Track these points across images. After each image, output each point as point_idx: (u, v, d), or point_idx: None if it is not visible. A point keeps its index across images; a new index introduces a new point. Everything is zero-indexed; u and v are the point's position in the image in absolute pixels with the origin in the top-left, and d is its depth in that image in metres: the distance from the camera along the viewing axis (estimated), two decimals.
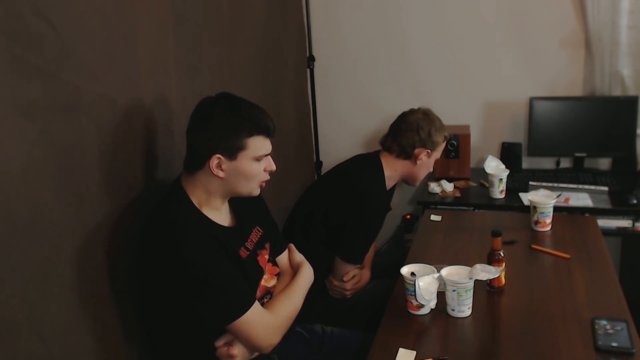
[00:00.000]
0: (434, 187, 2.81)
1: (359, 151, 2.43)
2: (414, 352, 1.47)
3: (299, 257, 1.74)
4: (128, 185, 1.58)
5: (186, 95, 1.87)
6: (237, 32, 2.28)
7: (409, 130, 2.15)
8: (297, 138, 3.06)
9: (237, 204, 1.62)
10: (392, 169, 2.18)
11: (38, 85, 1.24)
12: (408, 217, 3.13)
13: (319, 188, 2.36)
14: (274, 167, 1.56)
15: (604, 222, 2.46)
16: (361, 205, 2.06)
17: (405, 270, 1.66)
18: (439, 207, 2.66)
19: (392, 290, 1.79)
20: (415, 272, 1.63)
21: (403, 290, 1.66)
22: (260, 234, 1.67)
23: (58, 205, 1.31)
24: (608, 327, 1.51)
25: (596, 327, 1.52)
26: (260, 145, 1.50)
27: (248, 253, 1.59)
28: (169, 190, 1.55)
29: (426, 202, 2.75)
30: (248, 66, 2.40)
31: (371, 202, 2.08)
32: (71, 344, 1.36)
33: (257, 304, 1.48)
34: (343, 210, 2.08)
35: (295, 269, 1.71)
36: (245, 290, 1.49)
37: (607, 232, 2.38)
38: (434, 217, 2.37)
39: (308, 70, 3.19)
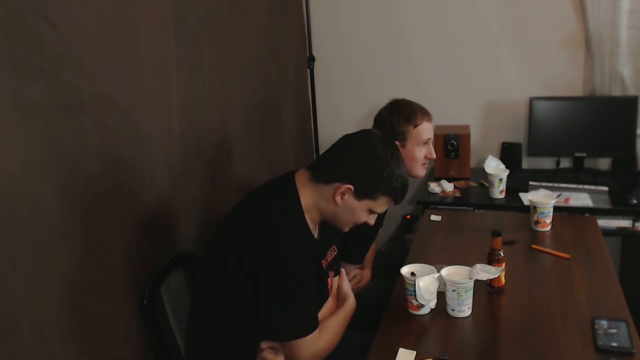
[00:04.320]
0: (434, 187, 2.81)
1: None
2: (414, 352, 1.47)
3: (346, 286, 1.70)
4: (129, 185, 1.58)
5: (186, 95, 1.87)
6: (237, 32, 2.28)
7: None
8: (297, 138, 3.06)
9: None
10: None
11: (39, 85, 1.24)
12: (408, 217, 3.13)
13: None
14: (372, 223, 1.57)
15: (604, 222, 2.46)
16: None
17: (405, 270, 1.66)
18: (439, 207, 2.66)
19: (392, 290, 1.79)
20: (415, 272, 1.63)
21: (403, 290, 1.66)
22: (334, 254, 1.66)
23: (58, 205, 1.31)
24: (608, 327, 1.52)
25: (596, 327, 1.52)
26: (384, 205, 1.52)
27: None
28: (282, 183, 1.52)
29: (426, 202, 2.74)
30: (248, 66, 2.40)
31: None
32: (71, 344, 1.36)
33: (318, 328, 1.48)
34: None
35: (341, 297, 1.67)
36: (316, 313, 1.49)
37: (607, 232, 2.38)
38: (434, 217, 2.37)
39: (308, 70, 3.19)
